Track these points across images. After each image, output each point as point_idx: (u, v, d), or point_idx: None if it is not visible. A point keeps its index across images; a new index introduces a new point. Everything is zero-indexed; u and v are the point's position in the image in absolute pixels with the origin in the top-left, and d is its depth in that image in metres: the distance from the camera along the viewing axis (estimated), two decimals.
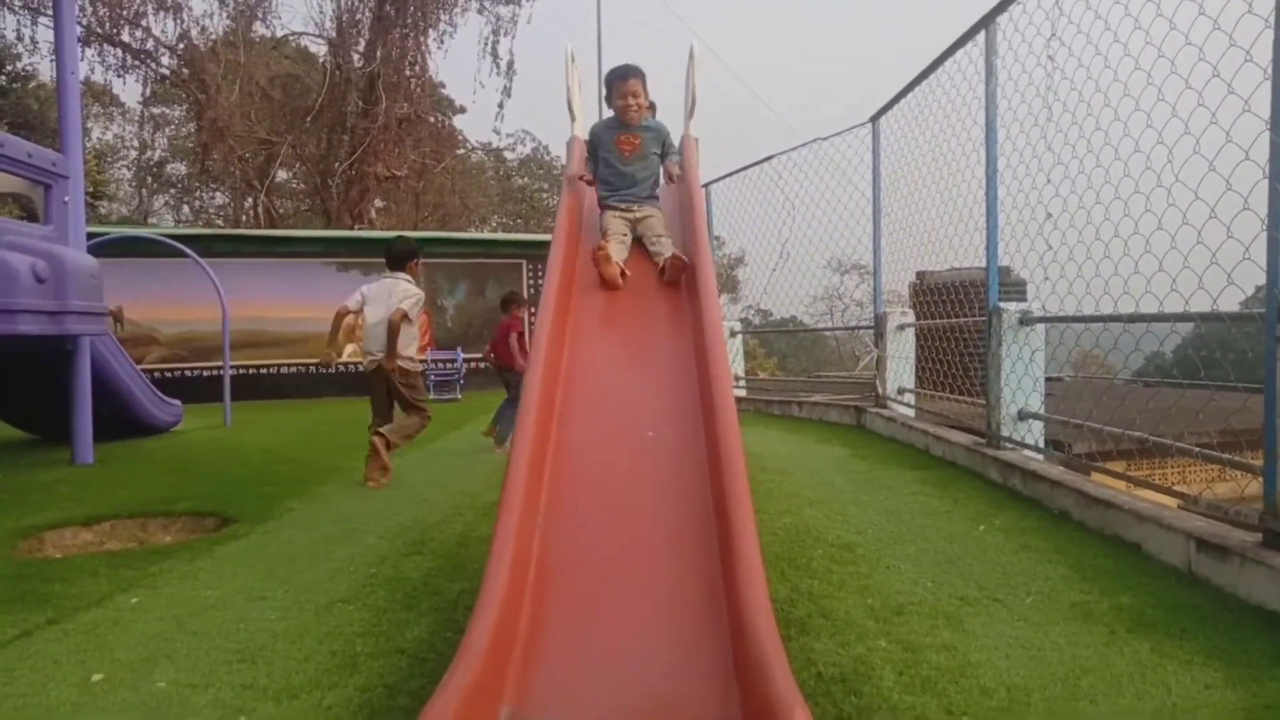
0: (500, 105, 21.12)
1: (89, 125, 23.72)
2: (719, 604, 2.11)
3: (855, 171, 7.59)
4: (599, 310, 3.70)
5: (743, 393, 9.81)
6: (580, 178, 4.41)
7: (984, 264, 4.99)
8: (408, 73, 19.41)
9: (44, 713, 2.14)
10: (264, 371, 12.74)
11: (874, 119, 7.12)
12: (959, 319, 6.35)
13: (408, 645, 2.53)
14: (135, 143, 26.04)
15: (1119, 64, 3.68)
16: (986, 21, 4.76)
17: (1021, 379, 4.78)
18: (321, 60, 21.00)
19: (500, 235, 21.30)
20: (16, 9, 17.51)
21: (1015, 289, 5.83)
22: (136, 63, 18.91)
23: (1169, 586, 2.88)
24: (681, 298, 3.70)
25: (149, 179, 26.64)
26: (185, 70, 18.98)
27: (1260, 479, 2.88)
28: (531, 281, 14.12)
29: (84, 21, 17.05)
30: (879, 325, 7.35)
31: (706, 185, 9.55)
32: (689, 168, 4.42)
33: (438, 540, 3.70)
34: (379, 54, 19.05)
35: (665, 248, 3.94)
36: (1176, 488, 3.80)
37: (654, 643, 2.06)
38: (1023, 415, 4.84)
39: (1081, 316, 4.18)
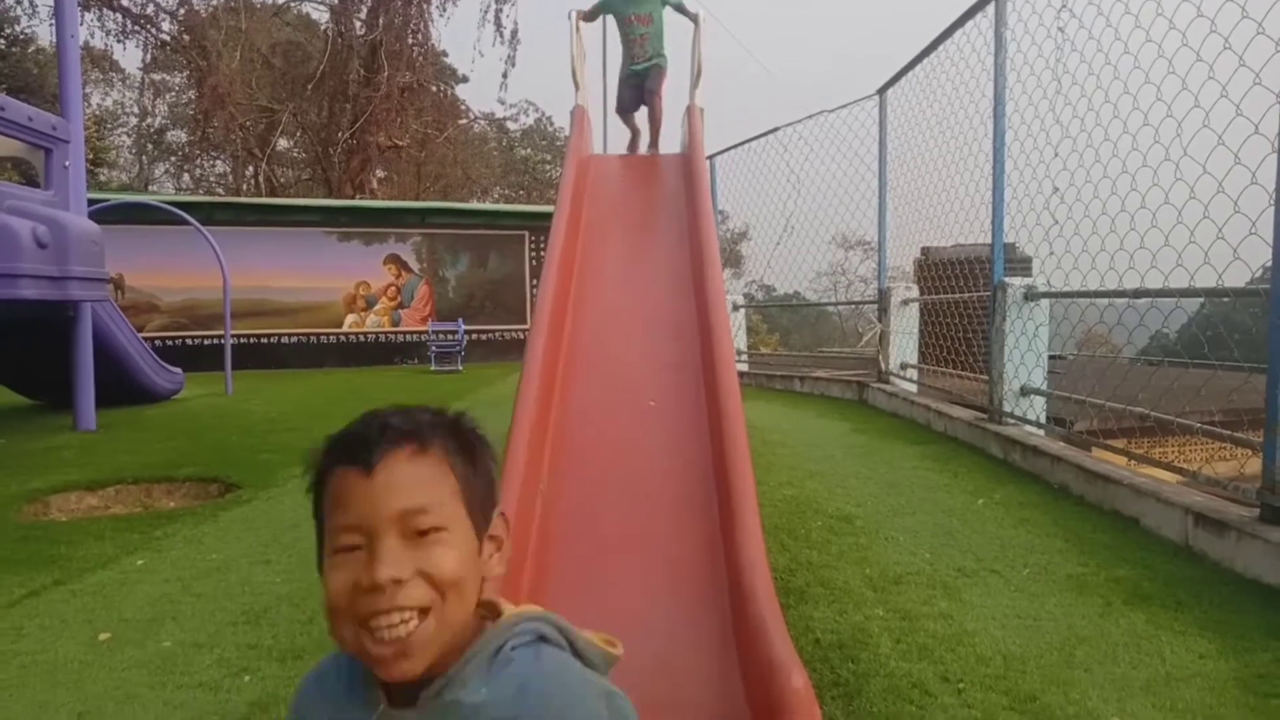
0: (504, 75, 20.92)
1: (88, 91, 23.52)
2: (719, 568, 2.13)
3: (862, 145, 7.54)
4: (603, 279, 3.69)
5: (745, 367, 9.81)
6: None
7: (989, 240, 4.96)
8: (410, 41, 19.20)
9: (52, 670, 2.17)
10: (265, 340, 12.74)
11: (881, 91, 7.06)
12: (963, 294, 6.33)
13: None
14: (135, 109, 25.84)
15: (1130, 36, 3.64)
16: None
17: (1025, 354, 4.77)
18: (323, 27, 20.78)
19: (502, 206, 21.21)
20: None
21: (1020, 265, 5.81)
22: (136, 28, 18.71)
23: (1166, 560, 2.90)
24: (687, 270, 3.69)
25: (149, 146, 26.47)
26: (186, 36, 18.77)
27: (1259, 455, 2.89)
28: (534, 253, 14.07)
29: None
30: (883, 300, 7.34)
31: (711, 158, 9.49)
32: (694, 136, 4.40)
33: None
34: (381, 21, 18.84)
35: None
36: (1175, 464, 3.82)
37: (655, 607, 2.09)
38: (1025, 391, 4.84)
39: (1086, 291, 4.17)
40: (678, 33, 5.68)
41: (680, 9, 5.50)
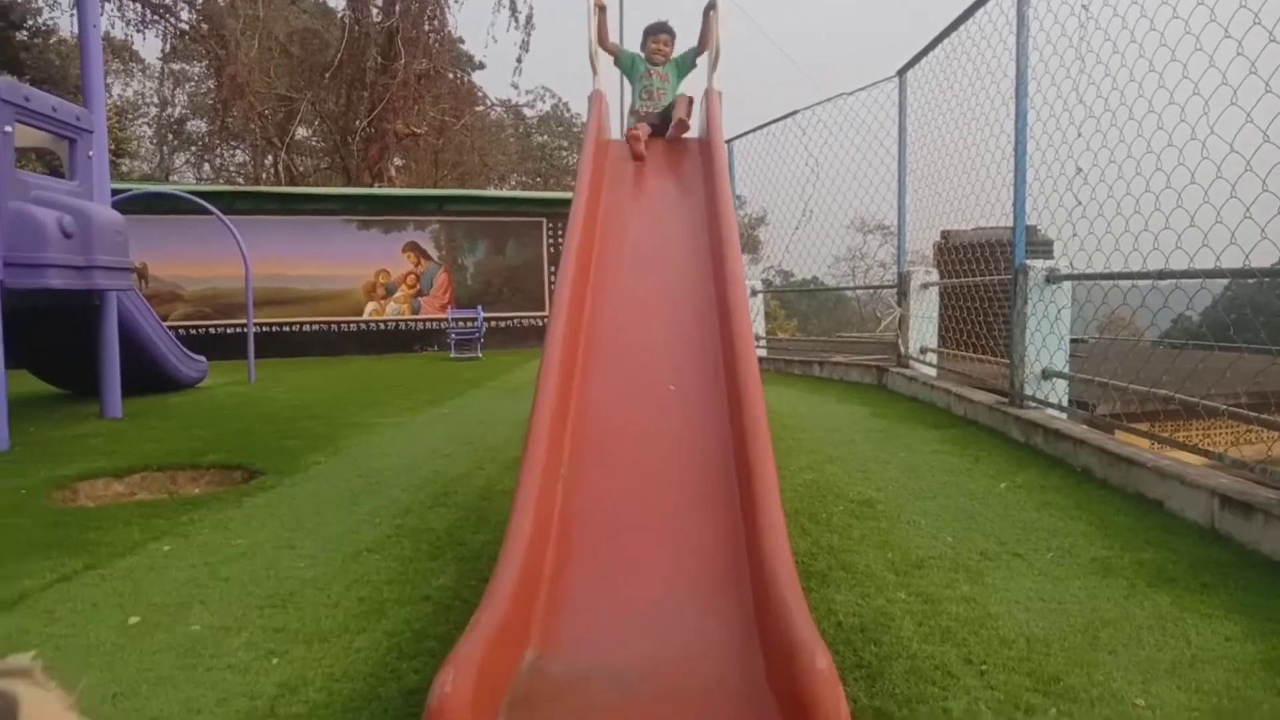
0: (519, 60, 20.87)
1: (109, 82, 23.67)
2: (740, 552, 2.14)
3: (881, 128, 7.47)
4: (622, 265, 3.69)
5: (763, 353, 9.79)
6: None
7: (1010, 223, 4.91)
8: (426, 27, 19.19)
9: (85, 652, 2.21)
10: (287, 329, 12.85)
11: (901, 73, 6.99)
12: (984, 278, 6.28)
13: (433, 593, 2.58)
14: (155, 100, 26.02)
15: (1155, 12, 3.58)
16: None
17: (1046, 337, 4.73)
18: (340, 15, 20.79)
19: (520, 193, 21.21)
20: None
21: (1041, 248, 5.75)
22: (156, 18, 18.83)
23: (1191, 543, 2.88)
24: (706, 254, 3.68)
25: (170, 136, 26.66)
26: (204, 25, 18.88)
27: None
28: (551, 240, 14.08)
29: None
30: (902, 284, 7.29)
31: (729, 141, 9.43)
32: (712, 119, 4.37)
33: (461, 493, 3.75)
34: (397, 8, 18.83)
35: None
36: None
37: (676, 590, 2.09)
38: (1047, 374, 4.80)
39: (1110, 274, 4.12)
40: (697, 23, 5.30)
41: (691, 65, 4.99)
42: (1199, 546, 2.85)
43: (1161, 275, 3.68)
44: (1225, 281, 3.48)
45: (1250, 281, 3.28)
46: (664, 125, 4.79)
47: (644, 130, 4.59)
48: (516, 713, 1.67)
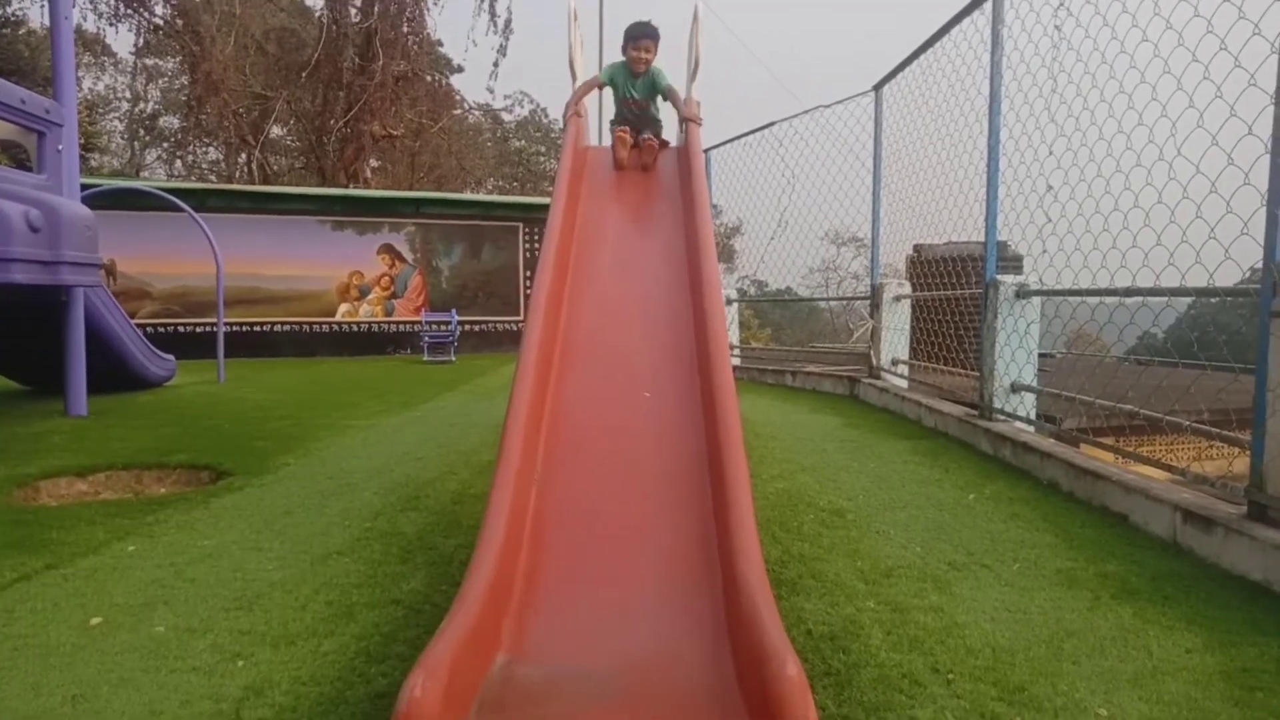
0: (495, 64, 20.84)
1: (80, 75, 23.28)
2: (712, 559, 2.15)
3: (857, 141, 7.55)
4: (599, 270, 3.70)
5: (737, 361, 9.83)
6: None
7: (982, 238, 4.99)
8: (405, 29, 19.12)
9: (44, 653, 2.17)
10: (258, 329, 12.70)
11: (877, 87, 7.07)
12: (955, 292, 6.36)
13: (403, 597, 2.56)
14: (127, 94, 25.67)
15: (1126, 35, 3.66)
16: None
17: (1016, 351, 4.80)
18: (318, 14, 20.65)
19: (496, 197, 21.14)
20: None
21: (1012, 263, 5.84)
22: (129, 11, 18.57)
23: (1154, 556, 2.93)
24: (683, 261, 3.70)
25: (141, 132, 26.28)
26: (179, 21, 18.65)
27: (1248, 454, 2.92)
28: (528, 245, 14.05)
29: None
30: (875, 296, 7.36)
31: (707, 151, 9.48)
32: (690, 128, 4.39)
33: (433, 497, 3.73)
34: (376, 9, 18.74)
35: None
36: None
37: (648, 596, 2.10)
38: (1016, 388, 4.88)
39: (1079, 290, 4.19)
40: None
41: (668, 96, 4.80)
42: (1161, 559, 2.90)
43: (1128, 293, 3.76)
44: (1190, 300, 3.55)
45: (1214, 301, 3.35)
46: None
47: (626, 138, 4.57)
48: (486, 717, 1.67)
